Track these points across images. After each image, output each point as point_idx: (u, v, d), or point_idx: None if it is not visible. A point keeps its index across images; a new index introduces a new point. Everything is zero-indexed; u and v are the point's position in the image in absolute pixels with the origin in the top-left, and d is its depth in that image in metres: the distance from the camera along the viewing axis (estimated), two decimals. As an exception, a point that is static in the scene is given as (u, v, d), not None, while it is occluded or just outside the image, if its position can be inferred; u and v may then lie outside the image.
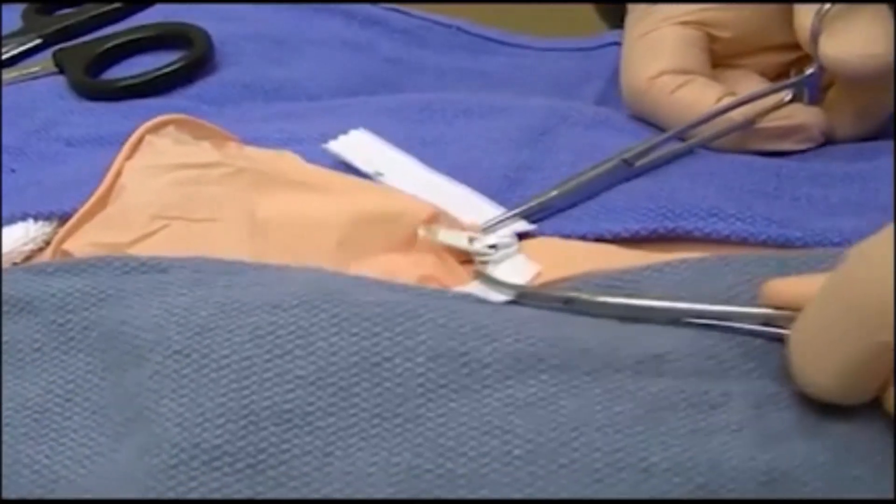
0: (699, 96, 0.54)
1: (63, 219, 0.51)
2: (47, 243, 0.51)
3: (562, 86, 0.63)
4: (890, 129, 0.56)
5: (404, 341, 0.40)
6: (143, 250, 0.47)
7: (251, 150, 0.52)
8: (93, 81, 0.62)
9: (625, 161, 0.50)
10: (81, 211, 0.50)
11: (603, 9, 0.73)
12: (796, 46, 0.55)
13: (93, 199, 0.50)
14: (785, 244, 0.46)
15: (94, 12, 0.67)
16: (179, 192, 0.49)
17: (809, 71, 0.53)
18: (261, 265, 0.44)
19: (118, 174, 0.51)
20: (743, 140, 0.53)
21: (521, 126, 0.54)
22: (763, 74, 0.57)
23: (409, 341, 0.40)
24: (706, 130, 0.53)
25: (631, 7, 0.58)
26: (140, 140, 0.52)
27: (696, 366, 0.40)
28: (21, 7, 0.68)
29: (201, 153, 0.51)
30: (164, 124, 0.53)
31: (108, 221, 0.49)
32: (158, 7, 0.68)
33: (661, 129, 0.54)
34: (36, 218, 0.51)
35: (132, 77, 0.62)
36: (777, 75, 0.57)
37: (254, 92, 0.62)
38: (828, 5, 0.50)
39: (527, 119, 0.54)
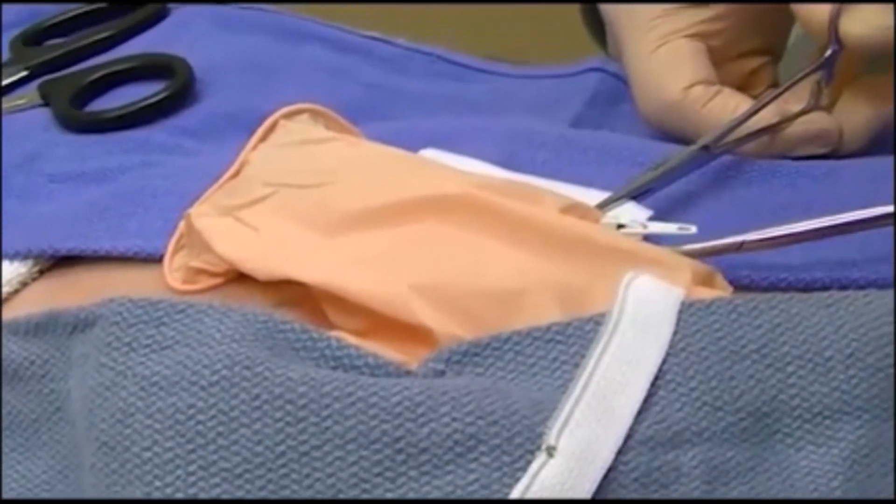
0: (734, 105, 0.55)
1: (41, 258, 0.51)
2: (24, 284, 0.51)
3: (539, 110, 0.63)
4: (885, 140, 0.57)
5: (333, 426, 0.38)
6: (252, 215, 0.48)
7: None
8: (78, 113, 0.63)
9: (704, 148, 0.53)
10: (213, 187, 0.50)
11: (594, 26, 0.73)
12: (758, 53, 0.59)
13: (224, 177, 0.51)
14: (733, 281, 0.46)
15: (80, 44, 0.68)
16: (293, 161, 0.50)
17: (828, 52, 0.54)
18: (182, 308, 0.42)
19: (249, 153, 0.52)
20: (767, 146, 0.55)
21: (484, 155, 0.54)
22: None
23: (339, 426, 0.38)
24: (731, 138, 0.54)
25: (621, 27, 0.59)
26: (274, 124, 0.52)
27: (644, 434, 0.39)
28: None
29: (324, 131, 0.52)
30: (299, 112, 0.53)
31: (229, 189, 0.50)
32: (140, 38, 0.69)
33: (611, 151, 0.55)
34: (12, 258, 0.51)
35: (117, 109, 0.62)
36: (738, 88, 0.58)
37: (236, 122, 0.62)
38: None
39: (491, 147, 0.54)
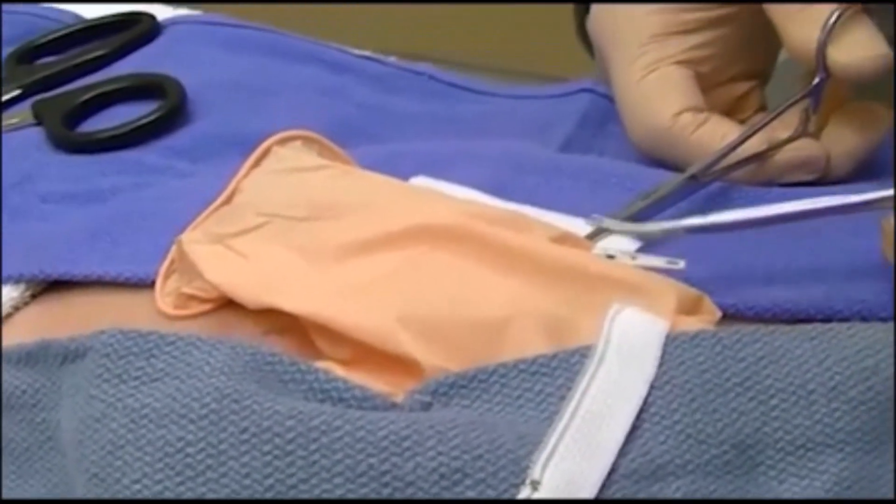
0: (723, 132, 0.56)
1: (32, 282, 0.52)
2: (16, 309, 0.51)
3: (530, 131, 0.64)
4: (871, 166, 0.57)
5: (321, 460, 0.39)
6: (243, 244, 0.48)
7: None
8: (70, 133, 0.63)
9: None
10: (205, 213, 0.51)
11: (588, 39, 0.73)
12: (746, 78, 0.59)
13: (217, 202, 0.51)
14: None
15: (73, 62, 0.68)
16: (285, 189, 0.50)
17: (816, 80, 0.55)
18: (172, 340, 0.43)
19: (241, 180, 0.52)
20: (756, 173, 0.55)
21: (475, 180, 0.54)
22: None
23: (326, 460, 0.39)
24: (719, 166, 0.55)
25: (609, 52, 0.60)
26: (267, 150, 0.53)
27: (628, 467, 0.39)
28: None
29: (316, 158, 0.52)
30: (292, 138, 0.53)
31: (220, 217, 0.51)
32: (133, 57, 0.69)
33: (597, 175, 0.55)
34: (5, 282, 0.51)
35: (109, 129, 0.63)
36: (726, 112, 0.59)
37: (229, 143, 0.62)
38: (834, 16, 0.53)
39: (481, 172, 0.55)
